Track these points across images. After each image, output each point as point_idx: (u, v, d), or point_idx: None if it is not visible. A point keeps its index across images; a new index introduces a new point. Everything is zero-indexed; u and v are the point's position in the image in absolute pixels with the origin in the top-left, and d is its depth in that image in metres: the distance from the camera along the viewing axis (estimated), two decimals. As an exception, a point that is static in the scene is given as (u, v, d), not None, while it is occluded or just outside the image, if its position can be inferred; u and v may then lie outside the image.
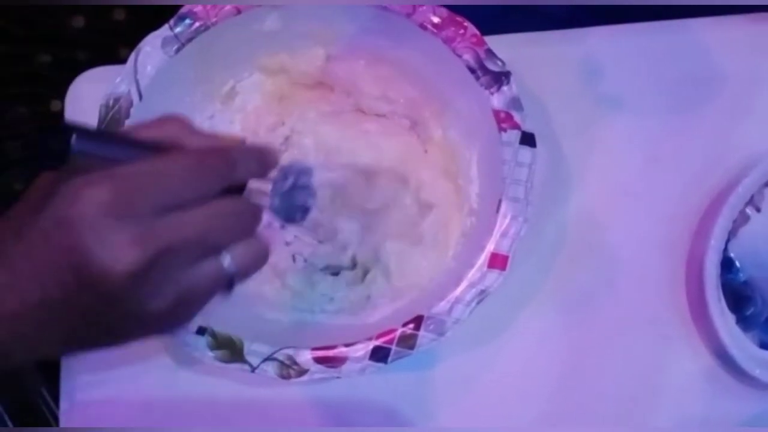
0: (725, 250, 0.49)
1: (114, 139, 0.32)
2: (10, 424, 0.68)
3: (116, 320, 0.32)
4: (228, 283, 0.33)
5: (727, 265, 0.49)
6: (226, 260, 0.33)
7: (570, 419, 0.50)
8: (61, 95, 0.54)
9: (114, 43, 0.45)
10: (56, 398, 0.52)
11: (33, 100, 0.69)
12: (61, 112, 0.54)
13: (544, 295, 0.50)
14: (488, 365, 0.50)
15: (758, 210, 0.50)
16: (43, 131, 0.30)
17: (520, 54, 0.52)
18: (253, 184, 0.36)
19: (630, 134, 0.53)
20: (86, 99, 0.47)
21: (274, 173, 0.37)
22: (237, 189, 0.34)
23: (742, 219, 0.50)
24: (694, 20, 0.53)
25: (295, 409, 0.50)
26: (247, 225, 0.34)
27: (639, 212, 0.51)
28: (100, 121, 0.46)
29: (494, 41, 0.48)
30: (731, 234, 0.49)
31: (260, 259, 0.35)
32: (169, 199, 0.31)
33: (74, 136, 0.30)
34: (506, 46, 0.49)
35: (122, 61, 0.47)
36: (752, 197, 0.50)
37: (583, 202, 0.52)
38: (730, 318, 0.48)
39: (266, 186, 0.37)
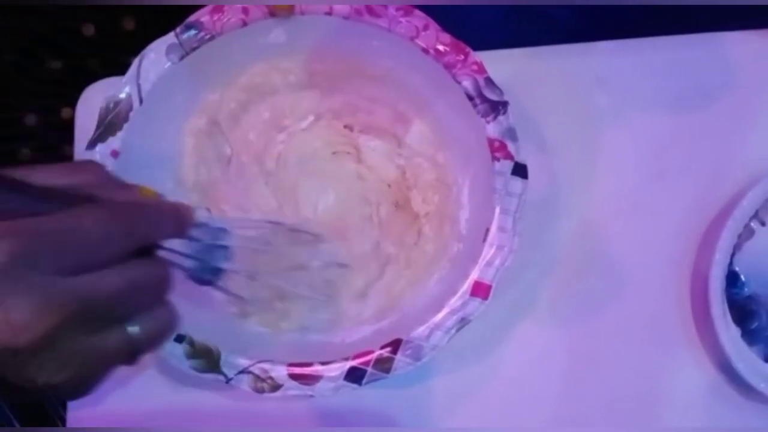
0: (730, 264, 0.49)
1: (15, 187, 0.29)
2: (17, 424, 0.68)
3: None
4: (132, 354, 0.31)
5: (732, 279, 0.49)
6: (134, 330, 0.30)
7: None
8: (72, 102, 0.55)
9: (123, 52, 0.46)
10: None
11: (44, 108, 0.69)
12: (71, 120, 0.55)
13: (547, 309, 0.51)
14: (489, 377, 0.50)
15: (763, 224, 0.50)
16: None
17: (522, 68, 0.52)
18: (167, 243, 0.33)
19: (634, 148, 0.53)
20: (96, 108, 0.47)
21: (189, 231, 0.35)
22: (150, 248, 0.32)
23: (746, 233, 0.50)
24: (698, 35, 0.53)
25: (296, 420, 0.50)
26: (158, 292, 0.31)
27: (644, 226, 0.52)
28: (99, 123, 0.47)
29: (495, 56, 0.48)
30: (736, 248, 0.49)
31: (169, 329, 0.32)
32: (77, 260, 0.28)
33: None
34: (508, 61, 0.50)
35: (133, 70, 0.48)
36: (757, 212, 0.49)
37: (588, 215, 0.52)
38: (735, 332, 0.48)
39: (180, 244, 0.34)
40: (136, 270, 0.30)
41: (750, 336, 0.49)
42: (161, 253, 0.33)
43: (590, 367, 0.50)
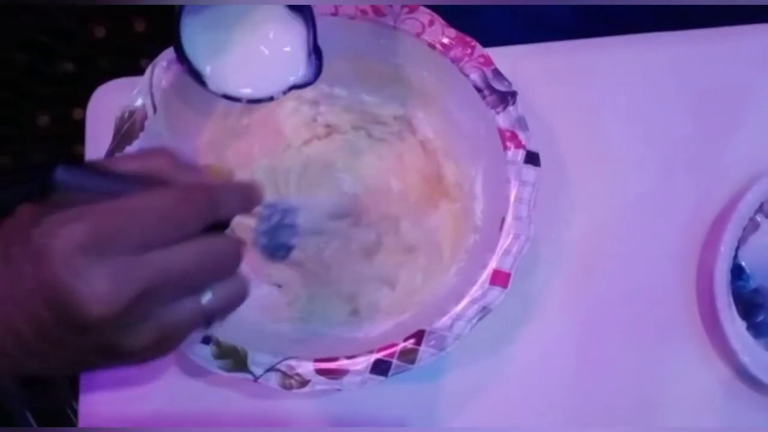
0: (735, 257, 0.49)
1: (98, 172, 0.31)
2: (34, 424, 0.69)
3: (89, 355, 0.31)
4: (207, 321, 0.33)
5: (737, 272, 0.50)
6: (206, 299, 0.32)
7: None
8: (83, 103, 0.56)
9: (134, 54, 0.47)
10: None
11: (55, 108, 0.70)
12: (82, 120, 0.56)
13: (554, 306, 0.51)
14: (498, 376, 0.50)
15: (768, 217, 0.51)
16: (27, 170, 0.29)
17: (529, 64, 0.53)
18: (238, 219, 0.35)
19: (640, 144, 0.53)
20: (107, 109, 0.48)
21: (259, 209, 0.37)
22: (221, 224, 0.34)
23: (752, 227, 0.50)
24: (703, 31, 0.54)
25: (306, 422, 0.50)
26: (228, 264, 0.33)
27: (650, 221, 0.52)
28: (116, 132, 0.48)
29: (503, 52, 0.49)
30: (741, 241, 0.50)
31: (239, 297, 0.34)
32: (151, 237, 0.30)
33: (57, 168, 0.29)
34: (515, 58, 0.50)
35: (142, 71, 0.49)
36: (762, 205, 0.50)
37: (594, 212, 0.52)
38: (741, 325, 0.49)
39: (251, 221, 0.37)
40: (207, 246, 0.32)
41: (756, 329, 0.49)
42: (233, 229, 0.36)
43: (598, 364, 0.50)
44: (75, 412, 0.67)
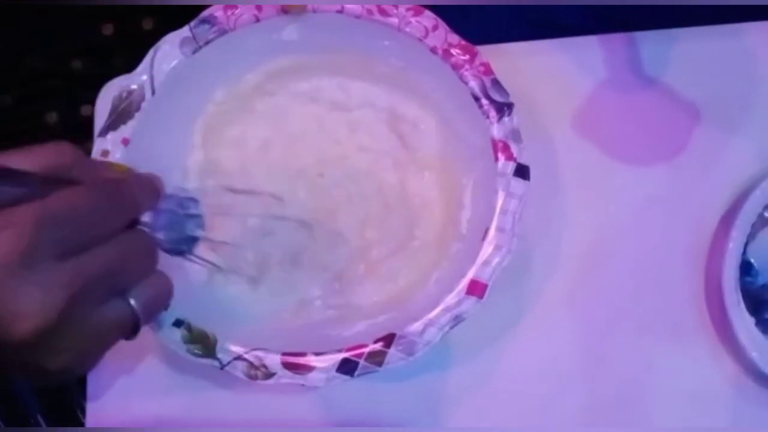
0: (744, 253, 0.49)
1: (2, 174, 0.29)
2: (43, 424, 0.70)
3: (14, 371, 0.30)
4: (133, 326, 0.32)
5: (746, 268, 0.49)
6: (132, 301, 0.31)
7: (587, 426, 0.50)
8: (92, 100, 0.57)
9: (143, 51, 0.47)
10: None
11: (64, 105, 0.72)
12: (91, 117, 0.57)
13: (561, 302, 0.51)
14: (502, 371, 0.50)
15: (776, 213, 0.50)
16: None
17: (531, 62, 0.53)
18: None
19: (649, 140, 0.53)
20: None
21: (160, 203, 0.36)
22: (131, 222, 0.33)
23: (760, 223, 0.50)
24: (710, 27, 0.53)
25: (301, 417, 0.51)
26: (149, 261, 0.32)
27: (657, 218, 0.52)
28: (112, 111, 0.48)
29: (504, 50, 0.49)
30: (750, 238, 0.49)
31: (165, 295, 0.33)
32: (75, 241, 0.28)
33: None
34: (515, 55, 0.51)
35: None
36: None
37: (601, 208, 0.52)
38: (750, 321, 0.48)
39: (151, 217, 0.35)
40: (125, 242, 0.31)
41: (765, 325, 0.49)
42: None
43: (605, 361, 0.50)
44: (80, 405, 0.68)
